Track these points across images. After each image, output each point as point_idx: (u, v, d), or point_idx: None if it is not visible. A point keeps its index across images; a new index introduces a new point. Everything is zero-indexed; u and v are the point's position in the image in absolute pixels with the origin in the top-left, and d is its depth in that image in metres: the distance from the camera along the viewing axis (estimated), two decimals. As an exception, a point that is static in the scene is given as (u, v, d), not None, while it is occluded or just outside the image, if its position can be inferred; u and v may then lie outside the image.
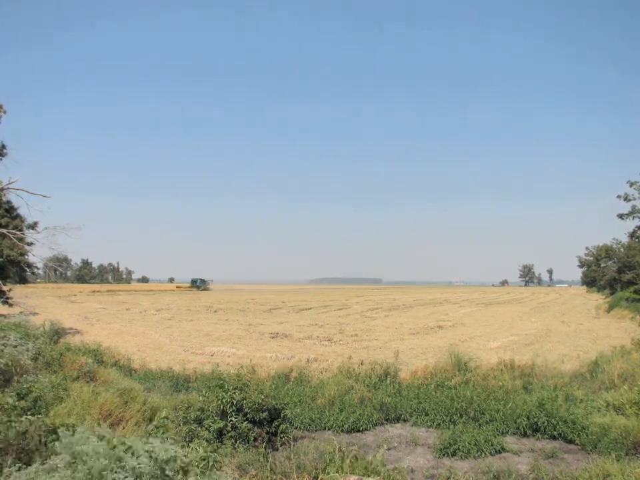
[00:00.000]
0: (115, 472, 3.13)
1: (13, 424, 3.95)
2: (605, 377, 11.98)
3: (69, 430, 3.85)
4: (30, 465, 3.55)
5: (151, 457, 3.23)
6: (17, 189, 16.71)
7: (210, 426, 8.20)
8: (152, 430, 4.40)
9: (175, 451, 3.37)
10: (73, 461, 3.35)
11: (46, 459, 3.60)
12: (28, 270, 27.58)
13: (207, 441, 7.55)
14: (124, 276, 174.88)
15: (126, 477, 3.11)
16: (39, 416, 4.21)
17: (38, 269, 34.02)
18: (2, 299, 21.55)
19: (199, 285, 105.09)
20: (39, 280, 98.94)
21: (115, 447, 3.26)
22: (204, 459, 3.79)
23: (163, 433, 4.23)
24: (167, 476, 3.19)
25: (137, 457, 3.26)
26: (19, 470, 3.45)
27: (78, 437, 3.60)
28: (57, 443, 3.67)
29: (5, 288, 23.67)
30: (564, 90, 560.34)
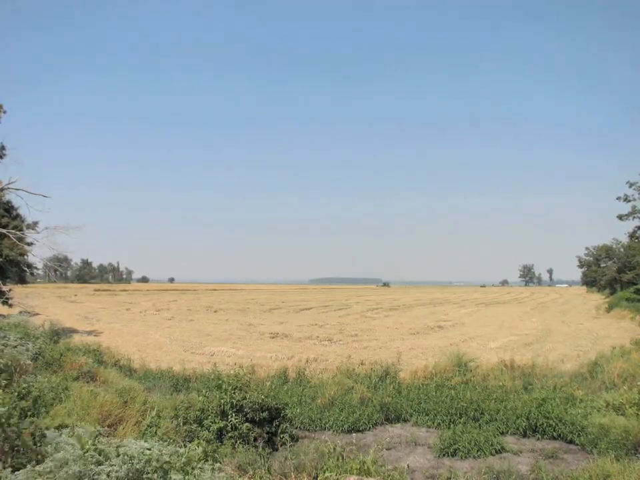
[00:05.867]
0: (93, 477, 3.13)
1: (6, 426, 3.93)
2: (605, 377, 11.97)
3: (58, 431, 3.84)
4: (24, 467, 3.55)
5: (125, 460, 3.23)
6: (17, 189, 16.76)
7: (210, 426, 8.19)
8: (145, 429, 4.41)
9: (159, 450, 3.36)
10: (58, 465, 3.35)
11: (37, 461, 3.59)
12: (28, 270, 27.56)
13: (207, 441, 7.55)
14: (124, 276, 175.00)
15: None
16: (33, 418, 4.20)
17: (38, 269, 33.99)
18: (2, 299, 21.54)
19: None
20: (39, 280, 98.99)
21: (87, 450, 3.26)
22: (202, 459, 3.79)
23: (155, 432, 4.24)
24: (147, 477, 3.19)
25: (111, 460, 3.26)
26: (12, 473, 3.45)
27: (63, 439, 3.59)
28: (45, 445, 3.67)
29: (4, 288, 23.64)
30: (574, 83, 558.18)
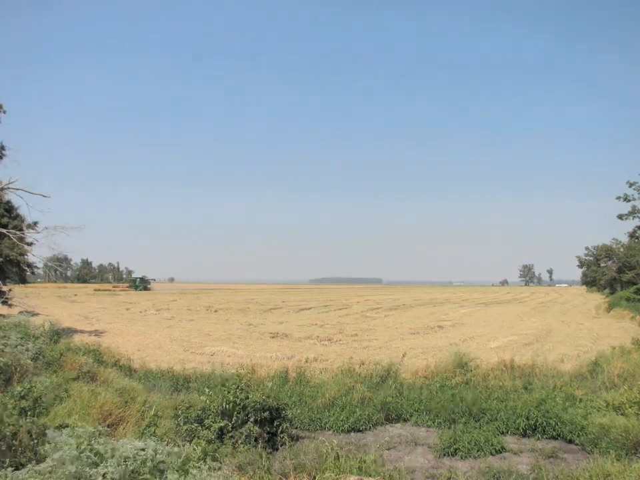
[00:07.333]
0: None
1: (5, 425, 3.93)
2: (605, 377, 11.97)
3: (58, 430, 3.84)
4: (23, 467, 3.56)
5: (119, 461, 3.23)
6: (17, 189, 16.75)
7: (211, 425, 8.19)
8: (144, 429, 4.41)
9: (154, 451, 3.36)
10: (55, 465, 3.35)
11: (37, 461, 3.60)
12: (28, 270, 27.57)
13: (207, 440, 7.55)
14: (124, 276, 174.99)
15: None
16: (34, 417, 4.20)
17: (38, 268, 34.00)
18: (2, 300, 21.54)
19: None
20: (39, 280, 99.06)
21: (82, 451, 3.25)
22: (201, 458, 3.79)
23: (154, 432, 4.24)
24: (143, 478, 3.19)
25: (107, 461, 3.25)
26: (13, 472, 3.46)
27: (61, 439, 3.60)
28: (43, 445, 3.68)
29: (4, 288, 23.67)
30: (572, 84, 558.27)
